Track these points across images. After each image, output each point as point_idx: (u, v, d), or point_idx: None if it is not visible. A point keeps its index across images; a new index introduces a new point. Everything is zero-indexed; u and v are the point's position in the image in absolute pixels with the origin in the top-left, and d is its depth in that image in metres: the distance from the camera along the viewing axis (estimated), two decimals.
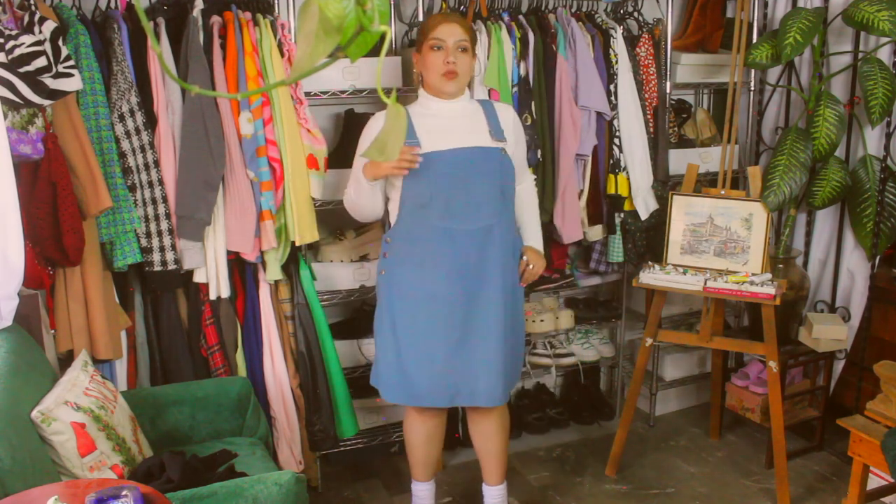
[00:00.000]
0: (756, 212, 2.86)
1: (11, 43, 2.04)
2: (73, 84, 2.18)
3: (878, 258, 3.05)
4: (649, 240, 3.23)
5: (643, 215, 3.16)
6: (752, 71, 3.40)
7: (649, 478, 3.09)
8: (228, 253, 2.60)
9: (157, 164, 2.46)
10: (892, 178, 2.98)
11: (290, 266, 2.74)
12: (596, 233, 3.16)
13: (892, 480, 2.59)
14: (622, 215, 3.16)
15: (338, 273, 2.95)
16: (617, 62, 3.04)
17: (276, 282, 2.74)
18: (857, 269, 3.12)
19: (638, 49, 3.16)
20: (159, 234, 2.49)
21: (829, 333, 2.98)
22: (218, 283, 2.60)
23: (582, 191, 3.07)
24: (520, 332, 2.51)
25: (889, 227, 3.00)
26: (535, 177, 2.83)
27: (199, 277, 2.60)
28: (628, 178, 3.11)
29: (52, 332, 2.39)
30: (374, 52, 0.79)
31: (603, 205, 3.13)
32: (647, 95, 3.17)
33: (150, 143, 2.45)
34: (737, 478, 3.08)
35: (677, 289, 2.84)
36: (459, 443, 3.25)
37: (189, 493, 1.82)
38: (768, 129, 3.45)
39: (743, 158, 3.48)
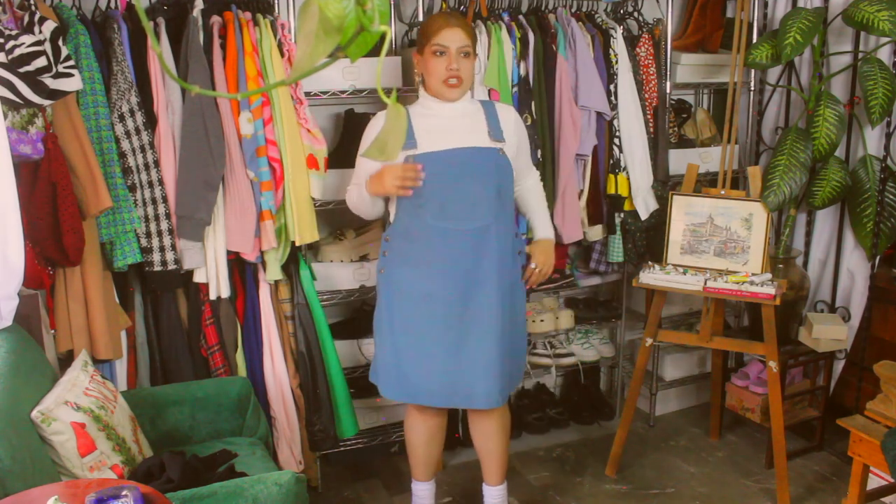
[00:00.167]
0: (756, 212, 2.86)
1: (11, 43, 2.04)
2: (73, 84, 2.18)
3: (878, 258, 3.05)
4: (649, 240, 3.23)
5: (643, 215, 3.16)
6: (752, 71, 3.40)
7: (649, 478, 3.09)
8: (228, 253, 2.60)
9: (157, 164, 2.46)
10: (892, 178, 2.98)
11: (290, 266, 2.74)
12: (596, 233, 3.16)
13: (892, 480, 2.59)
14: (622, 215, 3.16)
15: (338, 273, 2.95)
16: (617, 62, 3.04)
17: (276, 282, 2.74)
18: (857, 269, 3.12)
19: (638, 49, 3.16)
20: (159, 234, 2.49)
21: (829, 333, 2.98)
22: (218, 283, 2.60)
23: (582, 191, 3.07)
24: (520, 332, 2.50)
25: (889, 227, 3.00)
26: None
27: (199, 277, 2.60)
28: (628, 178, 3.11)
29: (52, 332, 2.39)
30: (374, 52, 0.79)
31: (603, 205, 3.13)
32: (647, 95, 3.17)
33: (150, 143, 2.45)
34: (737, 478, 3.08)
35: (677, 289, 2.84)
36: (459, 443, 3.25)
37: (189, 493, 1.82)
38: (768, 129, 3.45)
39: (743, 158, 3.48)
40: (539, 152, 2.91)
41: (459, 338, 2.34)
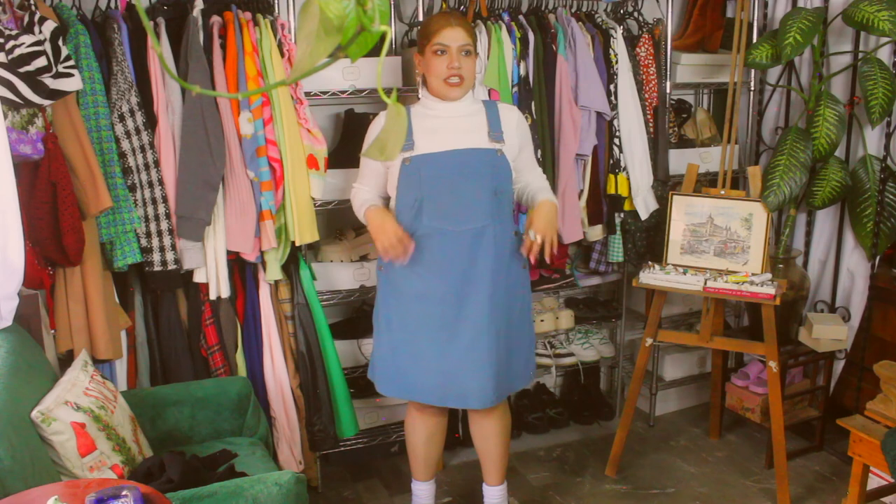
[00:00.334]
0: (756, 212, 2.86)
1: (11, 43, 2.04)
2: (73, 84, 2.18)
3: (878, 258, 3.05)
4: (649, 240, 3.23)
5: (643, 215, 3.16)
6: (752, 71, 3.40)
7: (649, 478, 3.09)
8: (228, 253, 2.61)
9: (157, 164, 2.46)
10: (892, 178, 2.98)
11: (290, 266, 2.74)
12: (596, 233, 3.16)
13: (892, 480, 2.59)
14: (622, 215, 3.16)
15: (338, 273, 2.95)
16: (617, 62, 3.04)
17: (276, 282, 2.74)
18: (857, 269, 3.12)
19: (638, 49, 3.16)
20: (159, 233, 2.49)
21: (829, 333, 2.98)
22: (218, 283, 2.60)
23: (582, 191, 3.07)
24: (522, 332, 2.48)
25: (889, 227, 3.00)
26: None
27: (199, 277, 2.60)
28: (628, 178, 3.11)
29: (52, 332, 2.39)
30: (375, 52, 0.79)
31: (603, 205, 3.13)
32: (647, 95, 3.17)
33: (150, 143, 2.45)
34: (737, 478, 3.08)
35: (677, 289, 2.84)
36: (459, 443, 3.25)
37: (189, 493, 1.82)
38: (768, 129, 3.45)
39: (743, 158, 3.48)
40: (539, 152, 2.91)
41: (453, 337, 2.35)
